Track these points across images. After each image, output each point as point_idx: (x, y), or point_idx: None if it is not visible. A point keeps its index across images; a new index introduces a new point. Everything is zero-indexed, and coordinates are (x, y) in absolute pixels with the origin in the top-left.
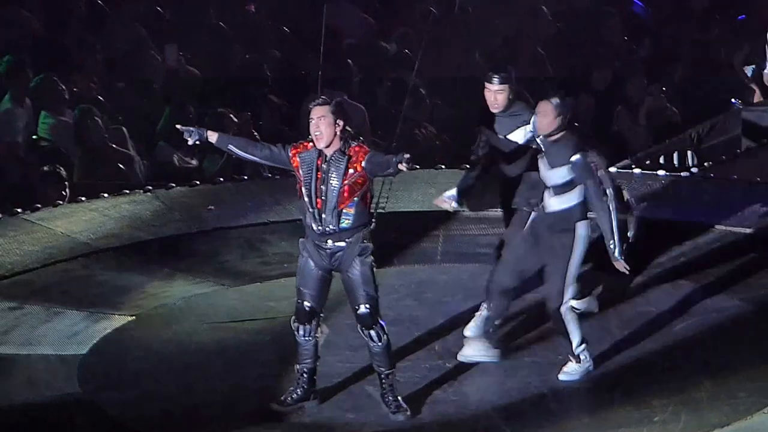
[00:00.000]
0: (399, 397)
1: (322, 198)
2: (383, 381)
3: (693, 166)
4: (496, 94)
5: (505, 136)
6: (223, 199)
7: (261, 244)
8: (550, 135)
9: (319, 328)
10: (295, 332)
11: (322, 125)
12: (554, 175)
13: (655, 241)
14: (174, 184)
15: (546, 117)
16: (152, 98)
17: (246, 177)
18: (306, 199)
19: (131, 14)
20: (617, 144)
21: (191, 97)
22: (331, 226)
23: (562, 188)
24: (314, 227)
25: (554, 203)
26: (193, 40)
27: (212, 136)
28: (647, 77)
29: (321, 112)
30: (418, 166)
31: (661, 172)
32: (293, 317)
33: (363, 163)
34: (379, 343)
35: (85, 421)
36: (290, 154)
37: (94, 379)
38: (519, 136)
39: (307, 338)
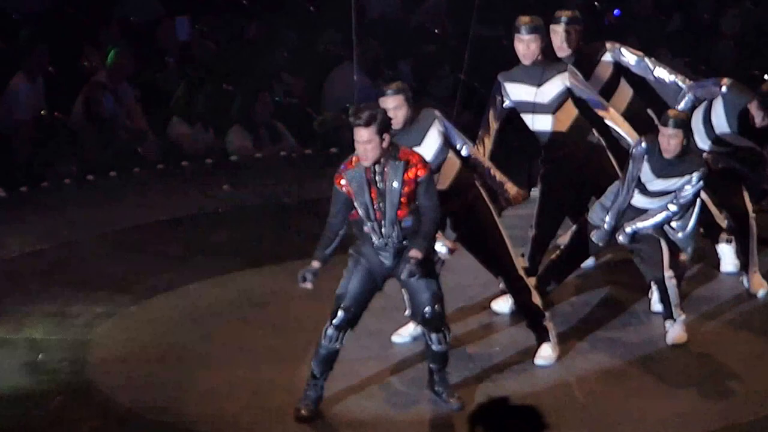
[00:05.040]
0: (450, 388)
1: (381, 210)
2: (434, 376)
3: None
4: (528, 44)
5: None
6: (238, 177)
7: (277, 226)
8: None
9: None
10: (326, 339)
11: (370, 149)
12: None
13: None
14: (187, 162)
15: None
16: (166, 72)
17: (261, 156)
18: (363, 215)
19: None
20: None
21: (206, 72)
22: (394, 235)
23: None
24: (375, 240)
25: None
26: (209, 13)
27: (316, 264)
28: (673, 51)
29: (367, 136)
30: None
31: None
32: (330, 323)
33: (419, 179)
34: (442, 346)
35: (88, 406)
36: (339, 188)
37: (98, 365)
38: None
39: (335, 344)
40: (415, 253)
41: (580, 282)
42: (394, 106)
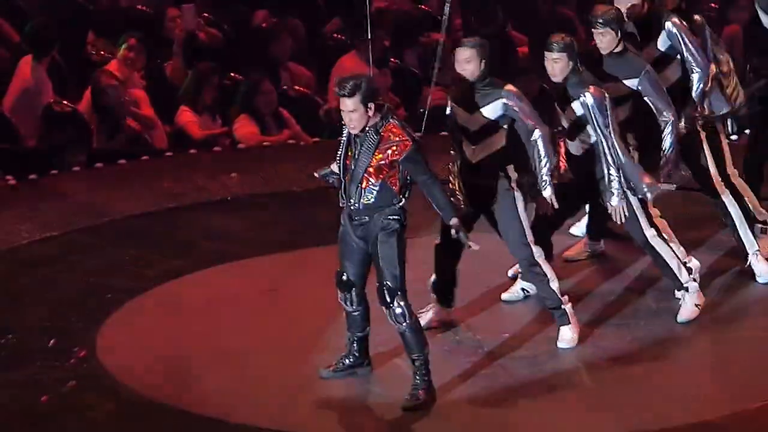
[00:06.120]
0: (423, 382)
1: (350, 173)
2: (412, 363)
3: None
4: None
5: None
6: (246, 165)
7: (285, 214)
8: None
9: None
10: (341, 301)
11: (355, 118)
12: None
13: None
14: (195, 150)
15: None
16: (173, 61)
17: (269, 144)
18: (337, 171)
19: None
20: None
21: (212, 60)
22: (352, 201)
23: None
24: (341, 203)
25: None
26: (215, 1)
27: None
28: None
29: (351, 105)
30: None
31: None
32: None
33: (400, 159)
34: (400, 325)
35: (100, 391)
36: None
37: (110, 350)
38: None
39: (350, 307)
40: (453, 221)
41: (589, 269)
42: (465, 58)
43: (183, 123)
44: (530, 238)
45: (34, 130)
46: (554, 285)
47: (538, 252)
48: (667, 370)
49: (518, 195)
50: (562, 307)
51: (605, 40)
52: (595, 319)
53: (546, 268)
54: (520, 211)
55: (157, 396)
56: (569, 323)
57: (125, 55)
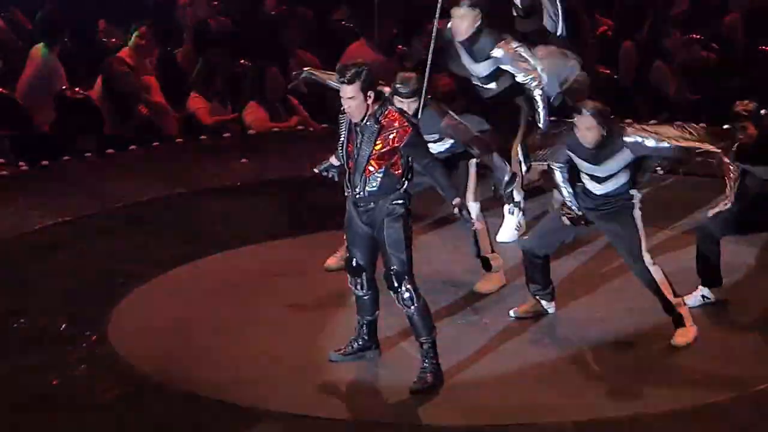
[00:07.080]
0: (431, 365)
1: (354, 161)
2: (420, 347)
3: None
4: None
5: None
6: (256, 151)
7: (294, 199)
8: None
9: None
10: (351, 286)
11: (354, 106)
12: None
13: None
14: (205, 136)
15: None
16: (184, 48)
17: (278, 130)
18: (341, 158)
19: None
20: (655, 98)
21: (222, 47)
22: (357, 189)
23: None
24: (346, 191)
25: None
26: None
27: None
28: (683, 29)
29: (351, 92)
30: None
31: None
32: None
33: (402, 145)
34: (408, 309)
35: (110, 375)
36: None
37: (120, 335)
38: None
39: (360, 291)
40: (456, 201)
41: (595, 252)
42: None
43: (193, 109)
44: (645, 246)
45: (47, 116)
46: (666, 289)
47: (648, 260)
48: (672, 353)
49: (637, 201)
50: (676, 310)
51: (464, 24)
52: (601, 303)
53: (656, 269)
54: (637, 218)
55: (167, 380)
56: (685, 325)
57: (137, 42)
